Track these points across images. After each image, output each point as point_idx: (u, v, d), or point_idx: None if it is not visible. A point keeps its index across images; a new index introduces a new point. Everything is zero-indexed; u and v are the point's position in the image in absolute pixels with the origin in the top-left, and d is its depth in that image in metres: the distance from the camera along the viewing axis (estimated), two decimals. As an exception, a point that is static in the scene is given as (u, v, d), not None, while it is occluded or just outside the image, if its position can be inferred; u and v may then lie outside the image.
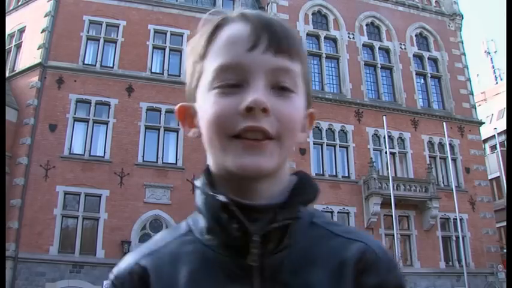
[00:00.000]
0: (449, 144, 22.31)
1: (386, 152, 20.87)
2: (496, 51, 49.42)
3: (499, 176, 25.76)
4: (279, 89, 0.75)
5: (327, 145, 20.82)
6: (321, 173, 20.24)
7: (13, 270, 15.80)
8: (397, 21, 24.70)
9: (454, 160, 22.52)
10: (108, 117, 18.83)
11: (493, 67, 48.21)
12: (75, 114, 18.61)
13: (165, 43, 20.75)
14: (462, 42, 25.89)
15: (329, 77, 22.50)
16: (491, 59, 48.93)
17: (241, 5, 22.91)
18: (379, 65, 23.51)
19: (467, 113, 24.13)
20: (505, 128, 27.19)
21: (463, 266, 19.73)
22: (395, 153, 21.71)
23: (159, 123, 19.29)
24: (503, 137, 27.89)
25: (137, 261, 0.79)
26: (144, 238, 17.56)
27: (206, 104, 0.76)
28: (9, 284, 15.54)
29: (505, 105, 28.65)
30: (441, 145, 22.63)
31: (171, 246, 0.79)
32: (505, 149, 24.89)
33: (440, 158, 22.55)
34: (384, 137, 21.23)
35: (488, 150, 30.76)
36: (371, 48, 23.84)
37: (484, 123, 25.05)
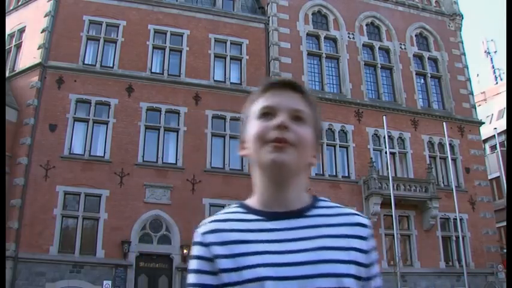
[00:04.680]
0: (449, 144, 22.31)
1: (386, 152, 20.87)
2: (496, 51, 49.27)
3: (499, 176, 25.74)
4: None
5: (327, 145, 20.82)
6: (321, 173, 20.23)
7: (13, 270, 15.80)
8: (397, 21, 24.71)
9: (454, 160, 22.51)
10: (108, 117, 18.82)
11: (493, 67, 48.10)
12: (75, 114, 18.60)
13: (165, 43, 20.75)
14: (462, 42, 25.89)
15: (329, 77, 22.50)
16: (491, 59, 48.83)
17: (240, 6, 22.92)
18: (379, 65, 23.51)
19: (467, 113, 24.12)
20: (505, 128, 27.19)
21: (463, 266, 19.73)
22: (395, 153, 21.71)
23: (159, 123, 19.28)
24: (503, 137, 27.88)
25: None
26: (144, 238, 17.58)
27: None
28: (9, 284, 15.54)
29: (505, 105, 28.65)
30: (441, 145, 22.63)
31: None
32: (505, 149, 24.89)
33: (440, 158, 22.54)
34: (384, 137, 21.22)
35: (488, 150, 30.74)
36: (371, 48, 23.84)
37: (484, 123, 25.05)
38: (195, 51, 20.89)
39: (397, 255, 18.59)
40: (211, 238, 1.20)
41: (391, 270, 18.28)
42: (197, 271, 1.20)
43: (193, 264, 1.22)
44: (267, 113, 1.23)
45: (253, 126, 1.24)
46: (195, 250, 1.22)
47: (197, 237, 1.24)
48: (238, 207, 1.28)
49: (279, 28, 22.23)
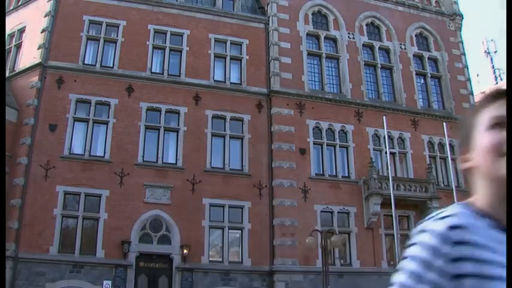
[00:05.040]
0: (449, 144, 22.29)
1: (386, 152, 20.87)
2: (496, 51, 49.25)
3: (499, 176, 25.72)
4: None
5: (327, 145, 20.82)
6: (321, 173, 20.23)
7: (13, 270, 15.81)
8: (397, 21, 24.71)
9: (454, 160, 22.48)
10: (108, 117, 18.83)
11: (493, 67, 48.10)
12: (75, 114, 18.61)
13: (165, 43, 20.75)
14: (462, 42, 25.89)
15: (329, 77, 22.49)
16: (491, 59, 48.79)
17: (240, 6, 22.92)
18: (379, 65, 23.51)
19: (467, 113, 24.08)
20: (505, 128, 27.14)
21: (463, 266, 19.71)
22: (395, 153, 21.71)
23: (159, 123, 19.29)
24: (503, 137, 27.84)
25: None
26: (144, 238, 17.58)
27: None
28: (9, 284, 15.55)
29: (505, 105, 28.59)
30: (441, 145, 22.63)
31: None
32: (505, 149, 24.85)
33: (440, 158, 22.54)
34: (384, 137, 21.22)
35: (488, 150, 30.71)
36: (371, 48, 23.84)
37: (484, 123, 24.98)
38: (195, 51, 20.89)
39: (397, 255, 18.59)
40: (459, 235, 1.11)
41: (391, 270, 18.28)
42: (426, 263, 1.10)
43: (422, 252, 1.12)
44: (498, 124, 1.16)
45: (485, 137, 1.17)
46: (432, 240, 1.12)
47: (438, 228, 1.13)
48: (465, 207, 1.19)
49: (279, 28, 22.24)
